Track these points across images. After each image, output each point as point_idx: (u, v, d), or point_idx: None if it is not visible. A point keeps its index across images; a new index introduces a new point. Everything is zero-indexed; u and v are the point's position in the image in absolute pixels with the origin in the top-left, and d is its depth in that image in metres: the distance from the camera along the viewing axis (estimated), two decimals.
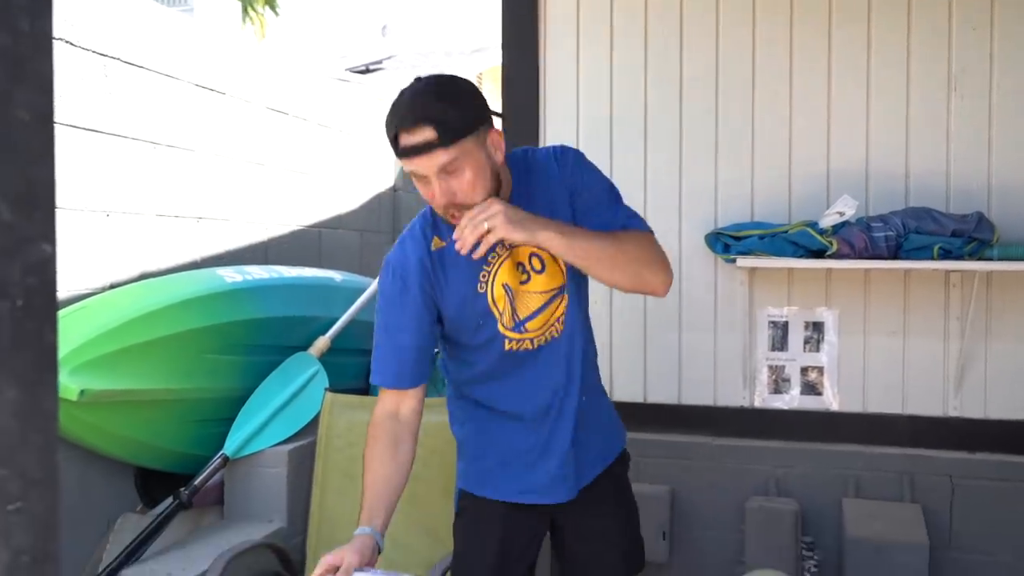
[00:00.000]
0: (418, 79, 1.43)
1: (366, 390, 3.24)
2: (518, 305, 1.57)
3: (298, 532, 2.75)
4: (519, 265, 1.56)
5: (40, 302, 0.53)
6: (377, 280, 1.67)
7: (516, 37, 2.84)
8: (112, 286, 2.88)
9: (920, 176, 2.62)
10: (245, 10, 9.99)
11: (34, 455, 0.52)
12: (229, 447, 2.72)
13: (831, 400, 2.73)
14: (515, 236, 1.40)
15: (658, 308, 2.86)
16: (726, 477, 2.70)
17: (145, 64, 3.10)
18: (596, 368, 1.74)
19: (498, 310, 1.56)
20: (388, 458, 1.53)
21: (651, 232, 1.59)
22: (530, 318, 1.58)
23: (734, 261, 2.65)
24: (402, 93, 1.42)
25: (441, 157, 1.38)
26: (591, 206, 1.54)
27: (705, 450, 2.71)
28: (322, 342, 3.04)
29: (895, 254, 2.49)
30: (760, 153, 2.75)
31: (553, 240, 1.42)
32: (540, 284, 1.57)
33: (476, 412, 1.67)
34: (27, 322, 0.52)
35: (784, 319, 2.76)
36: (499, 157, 1.46)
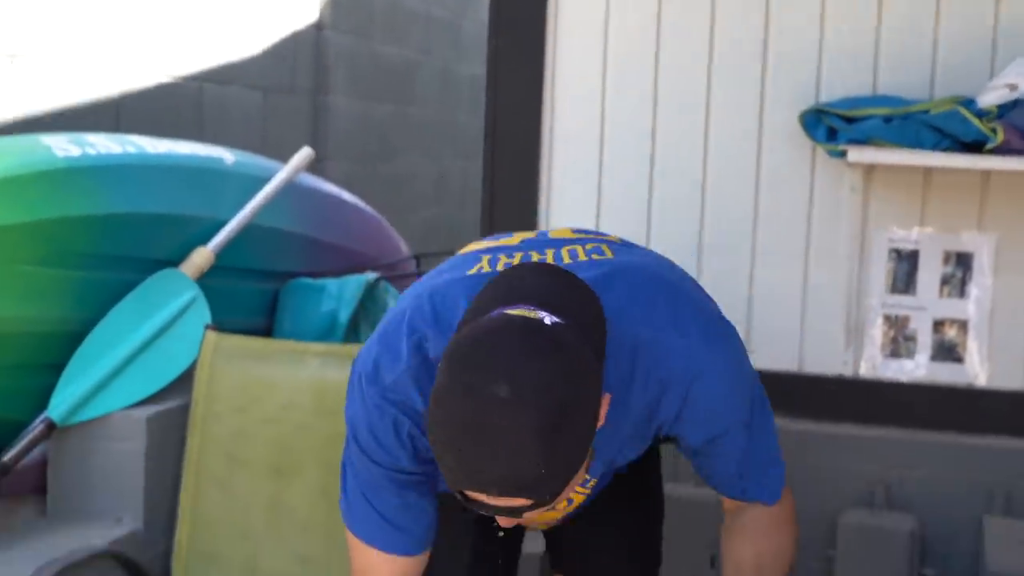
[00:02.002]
0: (505, 383, 1.38)
1: (269, 330, 3.31)
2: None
3: (160, 538, 2.82)
4: None
5: None
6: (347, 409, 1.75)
7: None
8: None
9: None
10: None
11: None
12: (56, 409, 2.73)
13: (977, 371, 2.80)
14: None
15: (720, 224, 2.93)
16: (811, 480, 2.64)
17: None
18: None
19: None
20: None
21: (783, 503, 1.83)
22: None
23: (843, 154, 2.68)
24: (482, 421, 1.38)
25: (533, 512, 1.47)
26: (722, 452, 1.74)
27: (782, 439, 2.66)
28: (201, 256, 3.03)
29: None
30: None
31: None
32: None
33: None
34: None
35: (913, 247, 2.83)
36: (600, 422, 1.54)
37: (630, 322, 1.59)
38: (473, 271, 1.71)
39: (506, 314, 1.42)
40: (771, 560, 1.83)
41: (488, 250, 1.79)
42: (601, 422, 1.50)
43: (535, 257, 1.73)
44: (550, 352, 1.39)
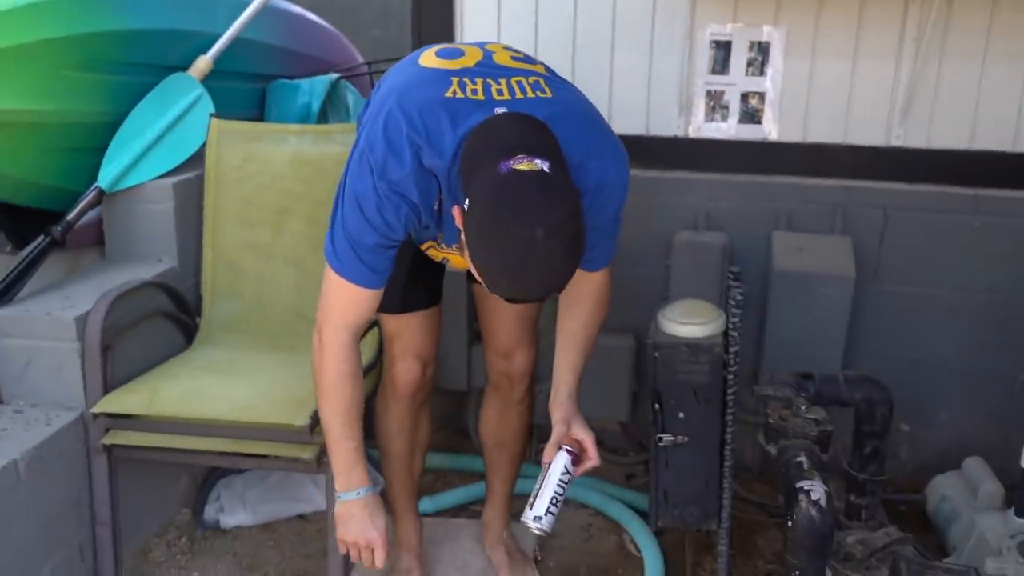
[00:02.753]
0: (540, 228, 1.61)
1: (259, 120, 3.53)
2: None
3: (191, 274, 3.07)
4: None
5: None
6: (350, 174, 1.97)
7: None
8: None
9: None
10: None
11: None
12: (104, 179, 2.93)
13: (770, 129, 3.21)
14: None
15: (588, 27, 3.22)
16: (655, 212, 3.16)
17: None
18: None
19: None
20: (359, 397, 2.09)
21: (609, 283, 2.17)
22: None
23: None
24: (528, 257, 1.63)
25: None
26: (593, 236, 1.89)
27: (634, 183, 2.72)
28: (203, 62, 3.19)
29: None
30: None
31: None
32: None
33: None
34: None
35: (728, 38, 3.14)
36: None
37: (566, 149, 1.82)
38: (449, 94, 1.88)
39: (516, 170, 1.64)
40: (594, 328, 2.18)
41: (454, 72, 1.94)
42: None
43: (493, 87, 1.89)
44: (561, 197, 1.65)
